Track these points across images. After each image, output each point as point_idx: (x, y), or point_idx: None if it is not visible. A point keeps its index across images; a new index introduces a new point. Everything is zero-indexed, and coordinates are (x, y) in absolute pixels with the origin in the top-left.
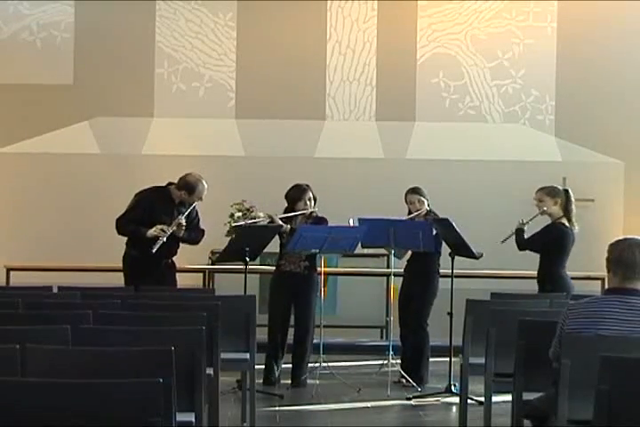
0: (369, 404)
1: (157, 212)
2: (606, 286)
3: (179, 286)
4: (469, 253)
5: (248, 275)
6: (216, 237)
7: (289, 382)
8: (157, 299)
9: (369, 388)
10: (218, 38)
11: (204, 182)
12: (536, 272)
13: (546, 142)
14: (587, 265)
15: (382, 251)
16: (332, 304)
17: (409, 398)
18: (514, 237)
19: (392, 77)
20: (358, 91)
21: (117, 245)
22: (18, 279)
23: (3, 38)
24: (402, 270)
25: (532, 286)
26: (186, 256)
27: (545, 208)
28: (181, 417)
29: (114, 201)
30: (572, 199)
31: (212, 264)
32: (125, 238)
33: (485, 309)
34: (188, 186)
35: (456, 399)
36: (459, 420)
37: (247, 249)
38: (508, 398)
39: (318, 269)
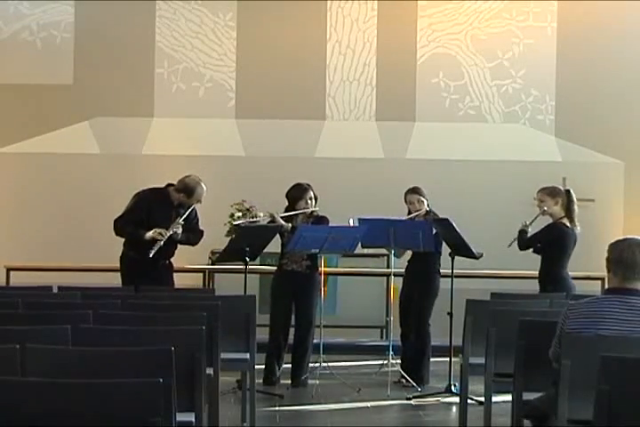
0: (369, 404)
1: (155, 213)
2: (606, 286)
3: (179, 286)
4: (469, 253)
5: (248, 275)
6: (216, 237)
7: (289, 382)
8: (157, 299)
9: (369, 388)
10: (218, 38)
11: (203, 185)
12: (536, 272)
13: (546, 142)
14: (587, 265)
15: (382, 251)
16: (332, 304)
17: (409, 398)
18: (517, 237)
19: (392, 77)
20: (358, 91)
21: (117, 246)
22: (18, 279)
23: (3, 38)
24: (402, 270)
25: (532, 286)
26: (186, 256)
27: (545, 208)
28: (181, 417)
29: (114, 201)
30: (574, 199)
31: (212, 264)
32: (123, 239)
33: (485, 309)
34: (187, 189)
35: (456, 399)
36: (459, 420)
37: (247, 249)
38: (508, 398)
39: (320, 268)
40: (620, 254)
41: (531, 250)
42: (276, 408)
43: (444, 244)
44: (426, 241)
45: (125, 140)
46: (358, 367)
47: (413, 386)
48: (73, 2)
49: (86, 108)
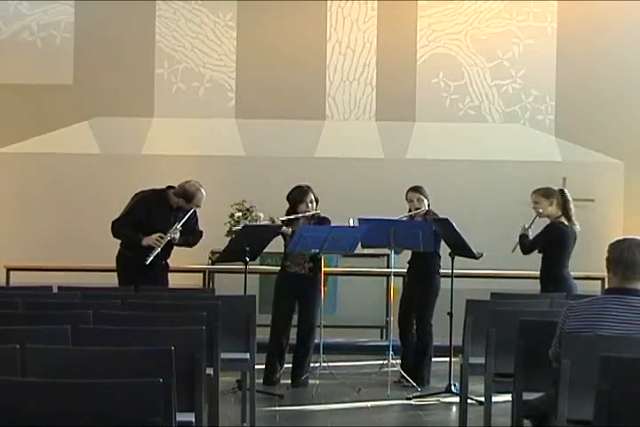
0: (369, 404)
1: (154, 216)
2: (606, 286)
3: (179, 287)
4: (469, 253)
5: (248, 275)
6: (216, 237)
7: (289, 382)
8: (157, 299)
9: (369, 388)
10: (218, 38)
11: (203, 191)
12: (536, 272)
13: (546, 142)
14: (587, 265)
15: (382, 251)
16: (332, 304)
17: (409, 398)
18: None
19: (392, 77)
20: (358, 91)
21: (117, 246)
22: (18, 279)
23: (3, 38)
24: (402, 270)
25: (532, 286)
26: (186, 256)
27: (541, 210)
28: (181, 417)
29: (114, 201)
30: (570, 198)
31: (212, 264)
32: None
33: (485, 309)
34: (187, 194)
35: (456, 399)
36: (459, 420)
37: (247, 249)
38: (508, 398)
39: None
40: (620, 254)
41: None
42: (276, 408)
43: (444, 244)
44: (426, 241)
45: (125, 141)
46: (358, 367)
47: (413, 386)
48: (73, 2)
49: (86, 108)
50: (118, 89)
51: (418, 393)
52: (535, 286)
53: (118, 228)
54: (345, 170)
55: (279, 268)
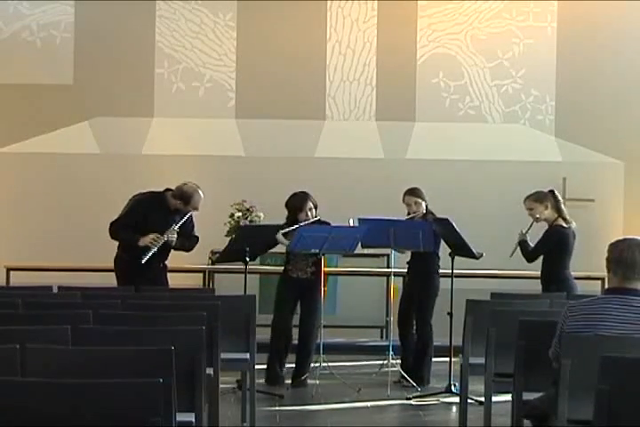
0: (369, 404)
1: (151, 218)
2: (606, 286)
3: (179, 287)
4: (469, 253)
5: (248, 275)
6: (216, 237)
7: (289, 382)
8: (157, 299)
9: (369, 388)
10: (218, 38)
11: (201, 193)
12: (536, 272)
13: (546, 142)
14: (587, 265)
15: (382, 251)
16: (332, 304)
17: (409, 398)
18: (519, 249)
19: (392, 77)
20: (358, 91)
21: (116, 245)
22: (18, 279)
23: (3, 38)
24: (402, 270)
25: (532, 286)
26: (186, 256)
27: (538, 215)
28: (181, 417)
29: (114, 201)
30: (560, 198)
31: (212, 264)
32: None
33: (485, 309)
34: (184, 196)
35: (456, 399)
36: (459, 420)
37: (247, 249)
38: (508, 398)
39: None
40: (620, 254)
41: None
42: (276, 408)
43: (444, 244)
44: (426, 241)
45: (125, 140)
46: (358, 367)
47: (413, 386)
48: (73, 2)
49: (86, 108)
50: (118, 89)
51: (418, 393)
52: (535, 286)
53: (116, 229)
54: (345, 170)
55: (281, 270)
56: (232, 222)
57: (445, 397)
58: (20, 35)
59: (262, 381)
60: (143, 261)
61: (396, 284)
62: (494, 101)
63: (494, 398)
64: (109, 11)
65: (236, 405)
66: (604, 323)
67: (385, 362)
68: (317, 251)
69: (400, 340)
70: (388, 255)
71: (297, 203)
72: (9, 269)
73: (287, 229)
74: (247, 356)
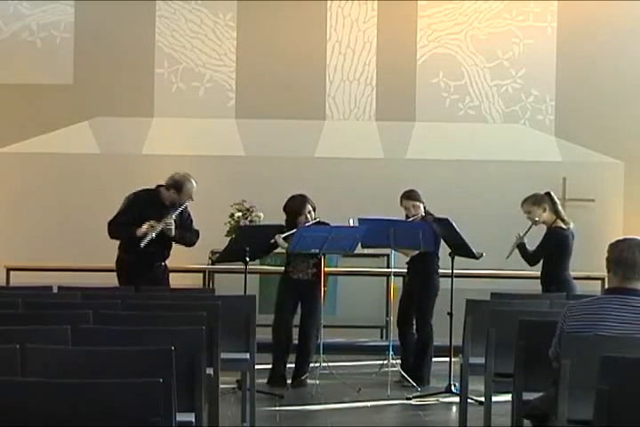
0: (369, 404)
1: (147, 214)
2: (606, 286)
3: (179, 287)
4: (469, 253)
5: (248, 275)
6: (216, 237)
7: (289, 381)
8: (157, 299)
9: (369, 388)
10: (218, 38)
11: (193, 181)
12: (536, 272)
13: (546, 142)
14: (587, 265)
15: (382, 251)
16: (332, 304)
17: (409, 398)
18: (517, 250)
19: (392, 77)
20: (358, 91)
21: (117, 246)
22: (18, 279)
23: (3, 38)
24: (402, 270)
25: (532, 286)
26: (186, 256)
27: (536, 218)
28: (181, 417)
29: (114, 201)
30: (556, 199)
31: (212, 264)
32: (119, 242)
33: (485, 309)
34: (177, 184)
35: (456, 399)
36: (459, 420)
37: (247, 249)
38: (508, 398)
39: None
40: (620, 254)
41: None
42: (276, 408)
43: (443, 244)
44: (426, 241)
45: (125, 140)
46: (358, 367)
47: (413, 386)
48: (73, 2)
49: (86, 108)
50: (118, 89)
51: (418, 393)
52: (535, 286)
53: (114, 228)
54: (345, 170)
55: (282, 271)
56: (232, 222)
57: (445, 397)
58: (20, 35)
59: (262, 381)
60: (142, 245)
61: (396, 284)
62: (494, 101)
63: (494, 398)
64: (109, 11)
65: (236, 405)
66: (604, 323)
67: (385, 362)
68: (317, 251)
69: (400, 340)
70: (388, 255)
71: (296, 206)
72: (9, 269)
73: (287, 233)
74: (247, 356)
